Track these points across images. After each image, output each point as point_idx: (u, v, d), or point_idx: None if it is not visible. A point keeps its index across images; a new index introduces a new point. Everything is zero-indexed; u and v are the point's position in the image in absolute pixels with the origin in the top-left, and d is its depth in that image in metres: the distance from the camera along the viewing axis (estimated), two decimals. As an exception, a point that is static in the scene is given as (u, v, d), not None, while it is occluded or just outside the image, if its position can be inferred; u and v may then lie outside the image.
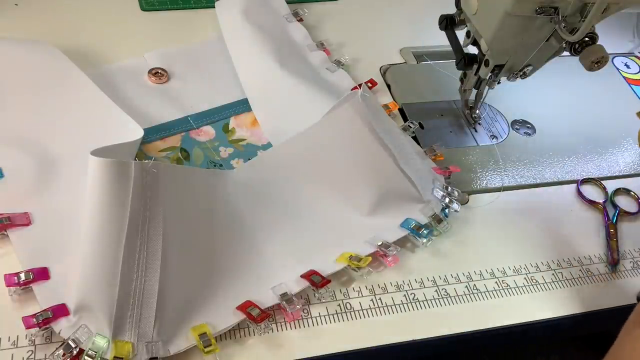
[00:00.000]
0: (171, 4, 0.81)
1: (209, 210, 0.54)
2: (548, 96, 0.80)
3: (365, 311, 0.54)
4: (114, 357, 0.45)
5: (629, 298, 0.60)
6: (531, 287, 0.59)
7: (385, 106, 0.71)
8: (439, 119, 0.74)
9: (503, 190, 0.67)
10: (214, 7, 0.78)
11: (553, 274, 0.60)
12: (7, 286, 0.48)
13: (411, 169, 0.58)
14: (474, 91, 0.71)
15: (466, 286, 0.57)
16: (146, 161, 0.46)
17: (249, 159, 0.63)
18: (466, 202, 0.64)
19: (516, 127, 0.75)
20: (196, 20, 0.79)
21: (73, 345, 0.45)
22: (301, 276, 0.53)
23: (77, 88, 0.64)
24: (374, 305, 0.54)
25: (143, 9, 0.79)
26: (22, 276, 0.49)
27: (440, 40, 0.71)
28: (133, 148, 0.60)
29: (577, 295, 0.59)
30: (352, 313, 0.53)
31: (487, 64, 0.64)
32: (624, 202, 0.69)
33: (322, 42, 0.78)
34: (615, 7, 0.55)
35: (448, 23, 0.67)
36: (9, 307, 0.49)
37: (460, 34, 0.68)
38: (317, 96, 0.68)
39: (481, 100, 0.72)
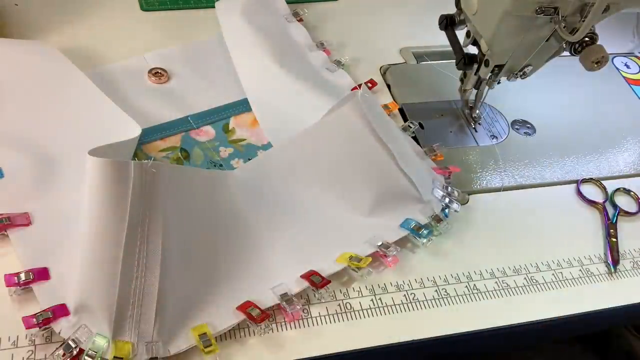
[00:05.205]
0: (171, 4, 0.81)
1: (208, 211, 0.54)
2: (548, 96, 0.80)
3: (365, 311, 0.54)
4: (114, 357, 0.45)
5: (629, 298, 0.60)
6: (531, 287, 0.59)
7: (385, 106, 0.71)
8: (439, 119, 0.73)
9: (503, 190, 0.67)
10: (214, 7, 0.78)
11: (553, 274, 0.60)
12: (7, 286, 0.48)
13: (411, 169, 0.58)
14: (474, 91, 0.71)
15: (466, 286, 0.57)
16: (145, 161, 0.46)
17: (249, 159, 0.63)
18: (466, 202, 0.64)
19: (516, 127, 0.75)
20: (196, 20, 0.79)
21: (73, 345, 0.45)
22: (301, 276, 0.53)
23: (76, 88, 0.64)
24: (374, 305, 0.54)
25: (143, 9, 0.79)
26: (22, 276, 0.49)
27: (440, 40, 0.71)
28: (131, 147, 0.60)
29: (577, 295, 0.59)
30: (352, 313, 0.53)
31: (487, 64, 0.64)
32: (624, 202, 0.69)
33: (322, 42, 0.78)
34: (615, 7, 0.55)
35: (448, 23, 0.67)
36: (9, 307, 0.49)
37: (460, 34, 0.68)
38: (317, 96, 0.68)
39: (481, 100, 0.72)
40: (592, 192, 0.69)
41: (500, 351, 0.80)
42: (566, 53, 0.60)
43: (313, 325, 0.52)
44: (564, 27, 0.56)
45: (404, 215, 0.59)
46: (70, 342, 0.45)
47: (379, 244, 0.56)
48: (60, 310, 0.47)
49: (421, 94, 0.76)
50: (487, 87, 0.69)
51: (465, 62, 0.65)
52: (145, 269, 0.46)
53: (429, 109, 0.74)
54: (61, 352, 0.45)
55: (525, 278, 0.59)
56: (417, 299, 0.56)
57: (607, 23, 0.57)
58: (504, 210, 0.65)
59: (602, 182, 0.70)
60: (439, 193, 0.61)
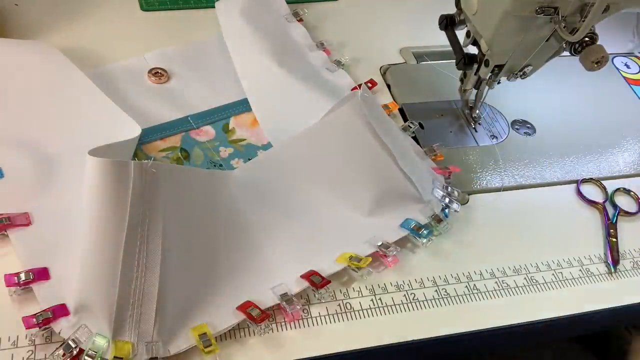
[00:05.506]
0: (171, 4, 0.81)
1: (208, 211, 0.54)
2: (548, 96, 0.80)
3: (365, 311, 0.54)
4: (114, 357, 0.45)
5: (629, 298, 0.60)
6: (531, 287, 0.59)
7: (385, 106, 0.71)
8: (439, 119, 0.73)
9: (503, 190, 0.67)
10: (214, 7, 0.78)
11: (553, 274, 0.60)
12: (7, 286, 0.48)
13: (411, 169, 0.58)
14: (474, 91, 0.71)
15: (466, 286, 0.57)
16: (145, 161, 0.46)
17: (249, 159, 0.63)
18: (466, 202, 0.64)
19: (516, 127, 0.75)
20: (196, 20, 0.79)
21: (73, 345, 0.45)
22: (301, 276, 0.53)
23: (76, 88, 0.64)
24: (374, 305, 0.54)
25: (143, 9, 0.79)
26: (22, 276, 0.49)
27: (440, 40, 0.71)
28: (131, 147, 0.60)
29: (577, 295, 0.59)
30: (352, 313, 0.53)
31: (487, 64, 0.64)
32: (624, 202, 0.69)
33: (322, 42, 0.78)
34: (615, 7, 0.55)
35: (448, 23, 0.67)
36: (9, 307, 0.49)
37: (460, 34, 0.68)
38: (317, 96, 0.68)
39: (481, 100, 0.72)
40: (592, 192, 0.69)
41: (500, 351, 0.80)
42: (566, 53, 0.60)
43: (313, 325, 0.52)
44: (564, 27, 0.56)
45: (404, 215, 0.59)
46: (70, 342, 0.45)
47: (379, 244, 0.56)
48: (60, 310, 0.47)
49: (421, 94, 0.76)
50: (487, 87, 0.69)
51: (465, 62, 0.65)
52: (145, 269, 0.46)
53: (429, 109, 0.74)
54: (61, 352, 0.45)
55: (525, 278, 0.59)
56: (417, 299, 0.56)
57: (607, 23, 0.57)
58: (504, 210, 0.65)
59: (602, 182, 0.70)
60: (439, 193, 0.61)
